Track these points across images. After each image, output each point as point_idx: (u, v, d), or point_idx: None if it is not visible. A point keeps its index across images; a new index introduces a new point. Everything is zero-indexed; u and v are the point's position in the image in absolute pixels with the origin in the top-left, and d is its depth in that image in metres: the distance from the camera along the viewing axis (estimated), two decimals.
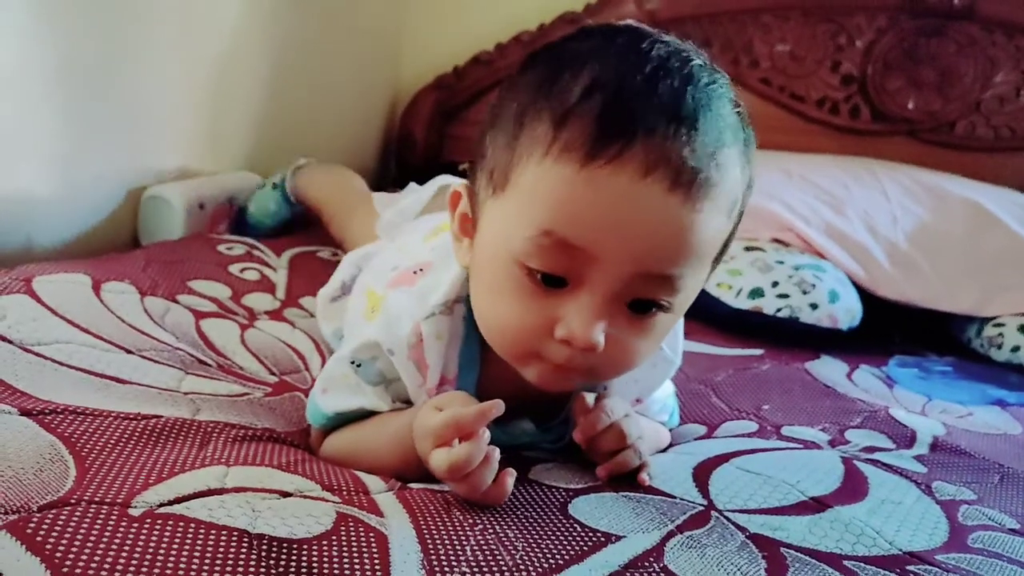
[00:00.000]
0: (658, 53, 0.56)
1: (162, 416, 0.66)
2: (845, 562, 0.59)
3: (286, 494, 0.57)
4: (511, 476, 0.61)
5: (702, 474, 0.72)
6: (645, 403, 0.78)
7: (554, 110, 0.56)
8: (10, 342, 0.74)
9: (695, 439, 0.86)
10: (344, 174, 1.46)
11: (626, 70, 0.55)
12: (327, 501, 0.57)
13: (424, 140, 1.95)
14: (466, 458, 0.58)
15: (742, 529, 0.62)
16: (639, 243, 0.55)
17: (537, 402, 0.73)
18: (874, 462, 0.80)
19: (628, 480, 0.68)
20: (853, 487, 0.73)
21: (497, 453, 0.60)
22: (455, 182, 0.70)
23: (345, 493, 0.59)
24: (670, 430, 0.85)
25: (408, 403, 0.71)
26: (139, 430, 0.63)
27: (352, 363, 0.71)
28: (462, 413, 0.59)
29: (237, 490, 0.56)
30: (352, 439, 0.71)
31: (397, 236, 1.03)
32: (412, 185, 1.22)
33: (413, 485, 0.63)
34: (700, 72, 0.57)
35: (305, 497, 0.57)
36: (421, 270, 0.78)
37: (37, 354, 0.74)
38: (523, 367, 0.63)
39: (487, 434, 0.59)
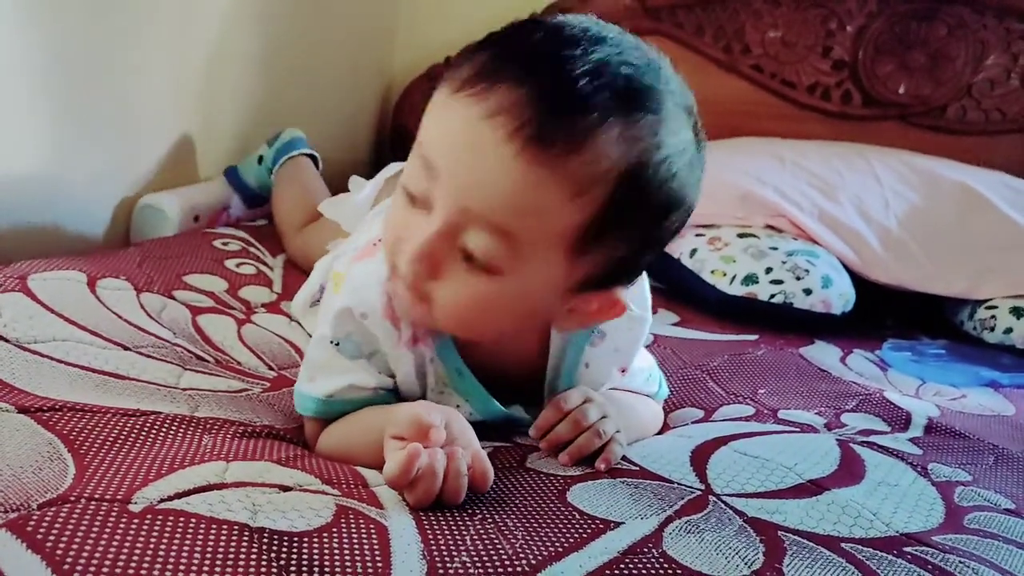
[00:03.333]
0: (579, 24, 0.59)
1: (161, 412, 0.66)
2: (843, 544, 0.60)
3: (286, 488, 0.57)
4: (464, 478, 0.59)
5: (700, 458, 0.72)
6: (629, 373, 0.79)
7: (457, 59, 0.62)
8: (6, 340, 0.74)
9: (693, 422, 0.87)
10: (314, 195, 1.37)
11: (527, 32, 0.60)
12: (326, 494, 0.57)
13: (417, 131, 1.94)
14: (399, 473, 0.57)
15: (740, 513, 0.62)
16: (466, 176, 0.58)
17: (516, 366, 0.74)
18: (870, 444, 0.80)
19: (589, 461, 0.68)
20: (850, 470, 0.73)
21: (442, 460, 0.58)
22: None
23: (344, 486, 0.60)
24: (664, 406, 0.86)
25: (393, 376, 0.72)
26: (138, 426, 0.63)
27: (332, 343, 0.71)
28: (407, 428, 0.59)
29: (237, 485, 0.56)
30: (345, 433, 0.71)
31: (358, 227, 1.04)
32: (355, 179, 1.22)
33: None
34: (613, 43, 0.58)
35: (304, 491, 0.57)
36: (380, 240, 0.79)
37: (34, 351, 0.73)
38: (393, 285, 0.66)
39: (431, 450, 0.58)
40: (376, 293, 0.69)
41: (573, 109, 0.55)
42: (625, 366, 0.77)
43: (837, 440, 0.80)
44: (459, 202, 0.58)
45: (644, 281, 0.77)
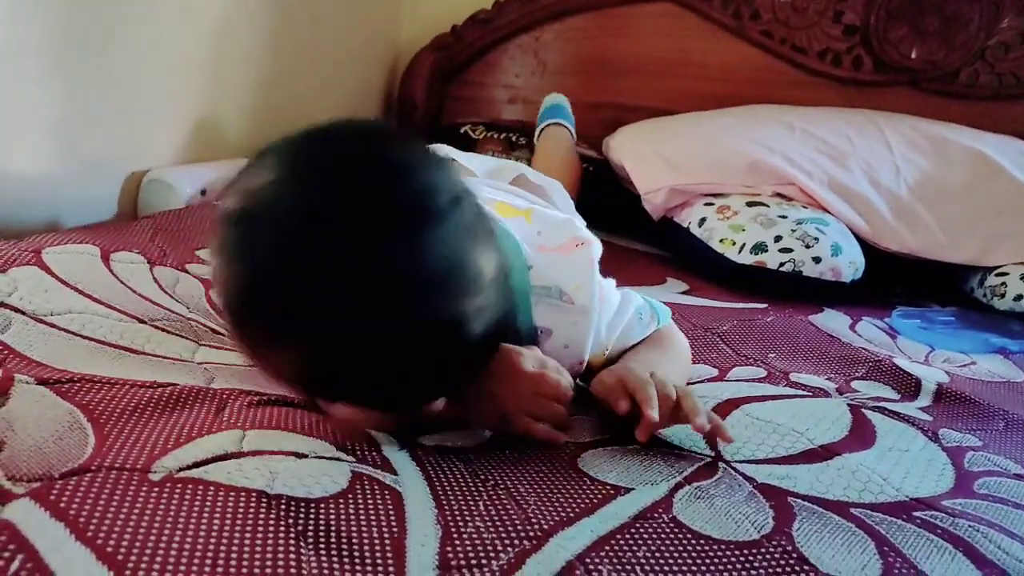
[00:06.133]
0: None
1: (177, 384, 0.67)
2: (852, 509, 0.60)
3: (302, 456, 0.58)
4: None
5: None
6: (624, 334, 0.79)
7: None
8: (23, 313, 0.75)
9: (707, 379, 0.87)
10: None
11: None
12: (342, 461, 0.58)
13: (424, 102, 1.94)
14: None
15: (749, 479, 0.63)
16: None
17: None
18: (881, 410, 0.81)
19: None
20: (861, 435, 0.74)
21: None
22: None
23: (359, 452, 0.60)
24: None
25: None
26: (155, 398, 0.64)
27: None
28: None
29: (254, 453, 0.57)
30: None
31: None
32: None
33: (425, 441, 0.64)
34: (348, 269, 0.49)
35: (320, 458, 0.58)
36: None
37: (50, 324, 0.74)
38: None
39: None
40: None
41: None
42: (582, 359, 0.75)
43: (848, 405, 0.81)
44: None
45: (587, 268, 0.74)
